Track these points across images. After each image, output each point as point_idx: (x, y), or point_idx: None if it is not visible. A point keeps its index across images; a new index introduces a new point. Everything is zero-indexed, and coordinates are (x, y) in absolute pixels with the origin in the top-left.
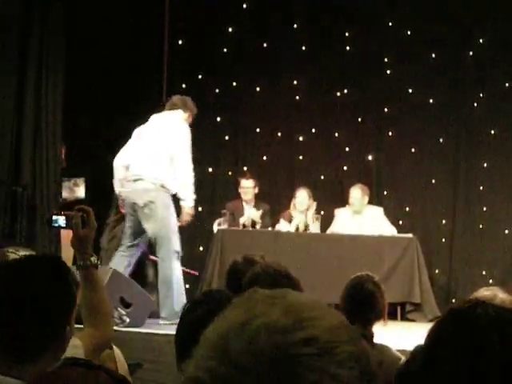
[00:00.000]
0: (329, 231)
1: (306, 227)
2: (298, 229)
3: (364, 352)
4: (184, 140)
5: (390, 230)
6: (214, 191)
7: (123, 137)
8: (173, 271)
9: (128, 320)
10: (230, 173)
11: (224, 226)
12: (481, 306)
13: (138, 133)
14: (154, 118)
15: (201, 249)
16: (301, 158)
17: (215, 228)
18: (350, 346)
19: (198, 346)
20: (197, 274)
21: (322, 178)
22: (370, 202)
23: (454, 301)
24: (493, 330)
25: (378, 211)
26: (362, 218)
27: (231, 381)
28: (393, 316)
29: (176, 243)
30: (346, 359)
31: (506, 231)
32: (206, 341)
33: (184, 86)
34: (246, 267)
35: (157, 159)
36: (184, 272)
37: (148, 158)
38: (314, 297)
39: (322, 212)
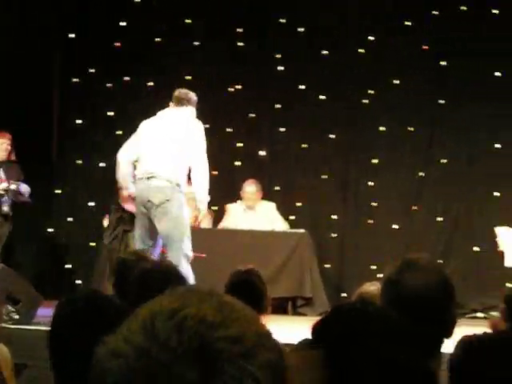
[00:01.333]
0: (220, 226)
1: (196, 221)
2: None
3: (282, 362)
4: (200, 139)
5: (282, 225)
6: (104, 187)
7: None
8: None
9: (17, 317)
10: None
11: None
12: (362, 305)
13: (146, 128)
14: (164, 114)
15: (91, 244)
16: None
17: (105, 223)
18: (271, 353)
19: (127, 320)
20: (204, 256)
21: (216, 173)
22: (262, 198)
23: (344, 295)
24: (369, 329)
25: (270, 206)
26: (255, 213)
27: (154, 357)
28: (284, 310)
29: (187, 246)
30: (266, 365)
31: (396, 226)
32: (137, 317)
33: (76, 80)
34: (136, 263)
35: (172, 157)
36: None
37: (162, 155)
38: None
39: (214, 207)
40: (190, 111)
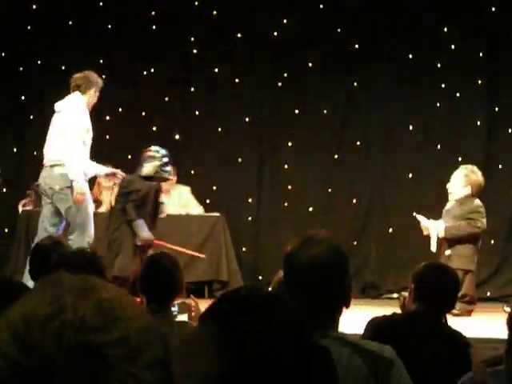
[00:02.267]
0: None
1: (112, 208)
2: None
3: (169, 354)
4: (71, 123)
5: (197, 209)
6: (19, 171)
7: None
8: None
9: None
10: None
11: (29, 207)
12: (246, 289)
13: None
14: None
15: (6, 231)
16: (108, 137)
17: (20, 209)
18: (157, 349)
19: None
20: (204, 256)
21: (129, 157)
22: (177, 182)
23: (260, 278)
24: (254, 315)
25: (184, 190)
26: (169, 197)
27: (33, 374)
28: (200, 294)
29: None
30: (151, 363)
31: (310, 209)
32: (8, 322)
33: None
34: (54, 249)
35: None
36: (192, 256)
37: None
38: (127, 294)
39: None
40: (76, 97)
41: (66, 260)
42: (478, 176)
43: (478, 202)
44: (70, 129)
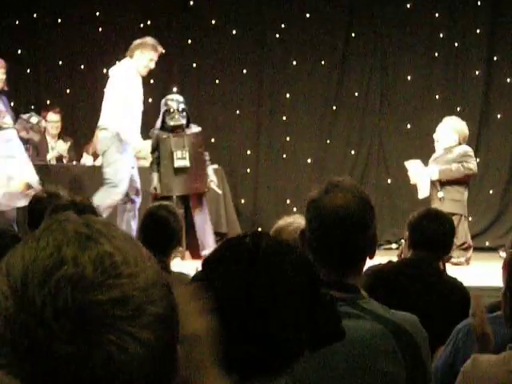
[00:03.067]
0: None
1: None
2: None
3: (171, 311)
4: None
5: None
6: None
7: None
8: None
9: None
10: (32, 107)
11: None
12: (252, 237)
13: None
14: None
15: None
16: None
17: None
18: (159, 307)
19: None
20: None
21: None
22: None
23: (260, 230)
24: (251, 258)
25: None
26: None
27: (29, 331)
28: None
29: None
30: (152, 322)
31: (309, 160)
32: (8, 271)
33: None
34: (50, 202)
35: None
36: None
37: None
38: (134, 242)
39: None
40: (124, 63)
41: (59, 211)
42: (463, 126)
43: (466, 147)
44: (112, 94)
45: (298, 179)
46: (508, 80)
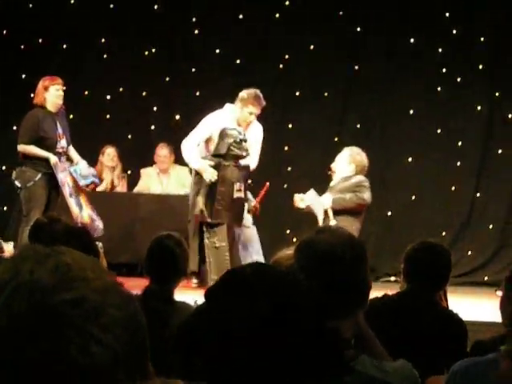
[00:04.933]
0: (135, 190)
1: (113, 186)
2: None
3: (134, 317)
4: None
5: None
6: None
7: None
8: None
9: None
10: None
11: None
12: (253, 268)
13: None
14: None
15: (5, 208)
16: (108, 116)
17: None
18: (119, 310)
19: None
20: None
21: (130, 137)
22: (176, 162)
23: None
24: (258, 292)
25: (183, 170)
26: (169, 176)
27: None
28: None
29: None
30: (112, 324)
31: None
32: None
33: None
34: (50, 227)
35: None
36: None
37: None
38: (93, 258)
39: (129, 172)
40: (227, 110)
41: (56, 236)
42: (362, 157)
43: (362, 177)
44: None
45: (298, 211)
46: (510, 116)
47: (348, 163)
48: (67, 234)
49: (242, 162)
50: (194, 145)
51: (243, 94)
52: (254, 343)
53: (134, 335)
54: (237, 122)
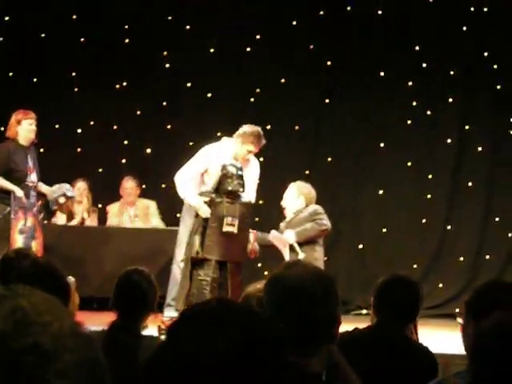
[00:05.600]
0: (107, 225)
1: (83, 220)
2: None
3: (92, 359)
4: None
5: (158, 223)
6: None
7: None
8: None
9: None
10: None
11: None
12: (218, 302)
13: None
14: None
15: None
16: (79, 150)
17: None
18: (75, 355)
19: None
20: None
21: (100, 170)
22: (145, 197)
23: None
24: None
25: (150, 204)
26: (135, 209)
27: None
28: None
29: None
30: (69, 369)
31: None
32: None
33: None
34: (18, 261)
35: None
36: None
37: None
38: (51, 297)
39: (100, 205)
40: (226, 144)
41: (25, 273)
42: (309, 189)
43: (315, 205)
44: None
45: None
46: (479, 149)
47: (297, 197)
48: (36, 271)
49: (243, 199)
50: (189, 179)
51: (246, 129)
52: (220, 378)
53: (93, 377)
54: (234, 156)
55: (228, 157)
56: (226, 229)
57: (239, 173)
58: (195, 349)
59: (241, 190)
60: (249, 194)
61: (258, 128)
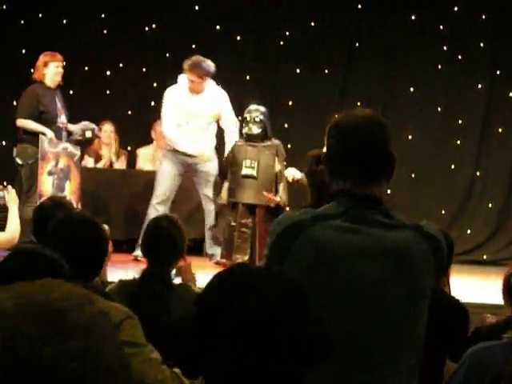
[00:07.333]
0: (137, 168)
1: (111, 163)
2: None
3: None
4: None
5: None
6: None
7: None
8: None
9: None
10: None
11: None
12: (241, 268)
13: None
14: None
15: (5, 184)
16: (108, 92)
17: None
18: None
19: None
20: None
21: (129, 113)
22: None
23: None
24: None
25: None
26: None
27: None
28: (199, 251)
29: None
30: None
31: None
32: None
33: None
34: (54, 211)
35: None
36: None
37: None
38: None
39: (129, 148)
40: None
41: (60, 227)
42: None
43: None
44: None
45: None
46: (510, 94)
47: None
48: (71, 220)
49: (267, 142)
50: (175, 127)
51: (187, 61)
52: (251, 344)
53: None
54: (189, 90)
55: (185, 93)
56: (244, 171)
57: (258, 117)
58: (225, 317)
59: (256, 132)
60: (230, 120)
61: (198, 56)
